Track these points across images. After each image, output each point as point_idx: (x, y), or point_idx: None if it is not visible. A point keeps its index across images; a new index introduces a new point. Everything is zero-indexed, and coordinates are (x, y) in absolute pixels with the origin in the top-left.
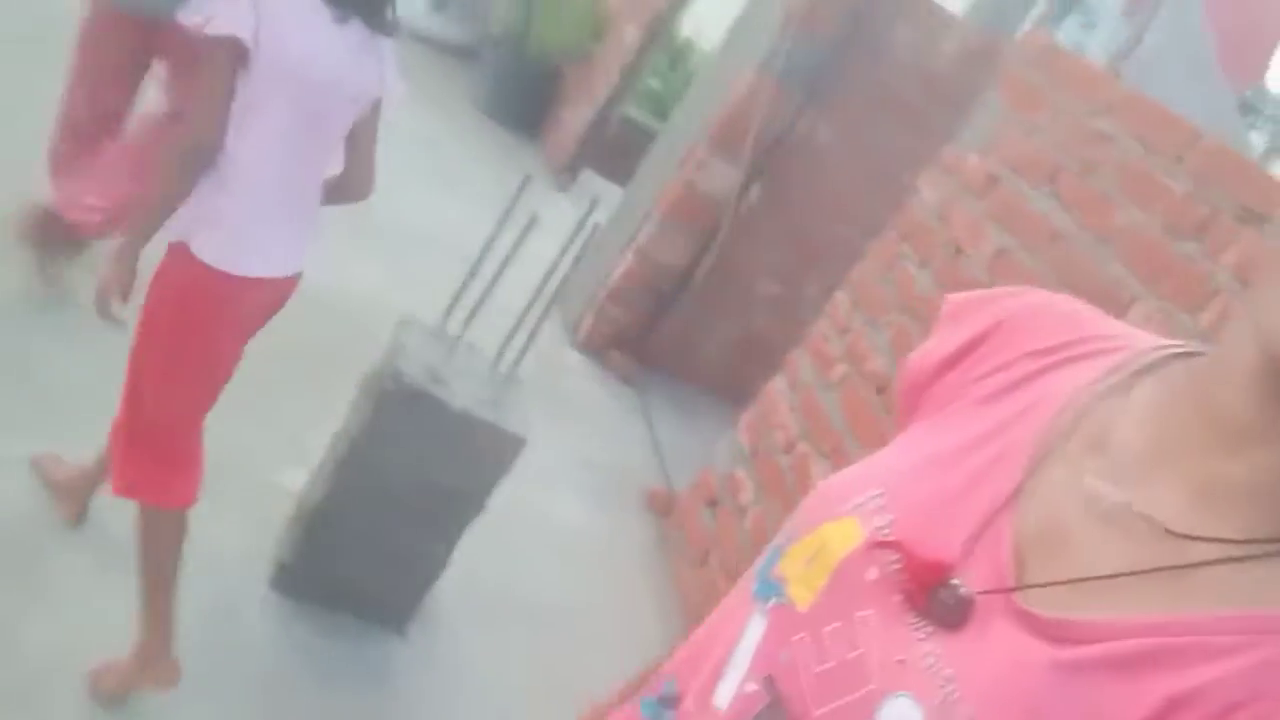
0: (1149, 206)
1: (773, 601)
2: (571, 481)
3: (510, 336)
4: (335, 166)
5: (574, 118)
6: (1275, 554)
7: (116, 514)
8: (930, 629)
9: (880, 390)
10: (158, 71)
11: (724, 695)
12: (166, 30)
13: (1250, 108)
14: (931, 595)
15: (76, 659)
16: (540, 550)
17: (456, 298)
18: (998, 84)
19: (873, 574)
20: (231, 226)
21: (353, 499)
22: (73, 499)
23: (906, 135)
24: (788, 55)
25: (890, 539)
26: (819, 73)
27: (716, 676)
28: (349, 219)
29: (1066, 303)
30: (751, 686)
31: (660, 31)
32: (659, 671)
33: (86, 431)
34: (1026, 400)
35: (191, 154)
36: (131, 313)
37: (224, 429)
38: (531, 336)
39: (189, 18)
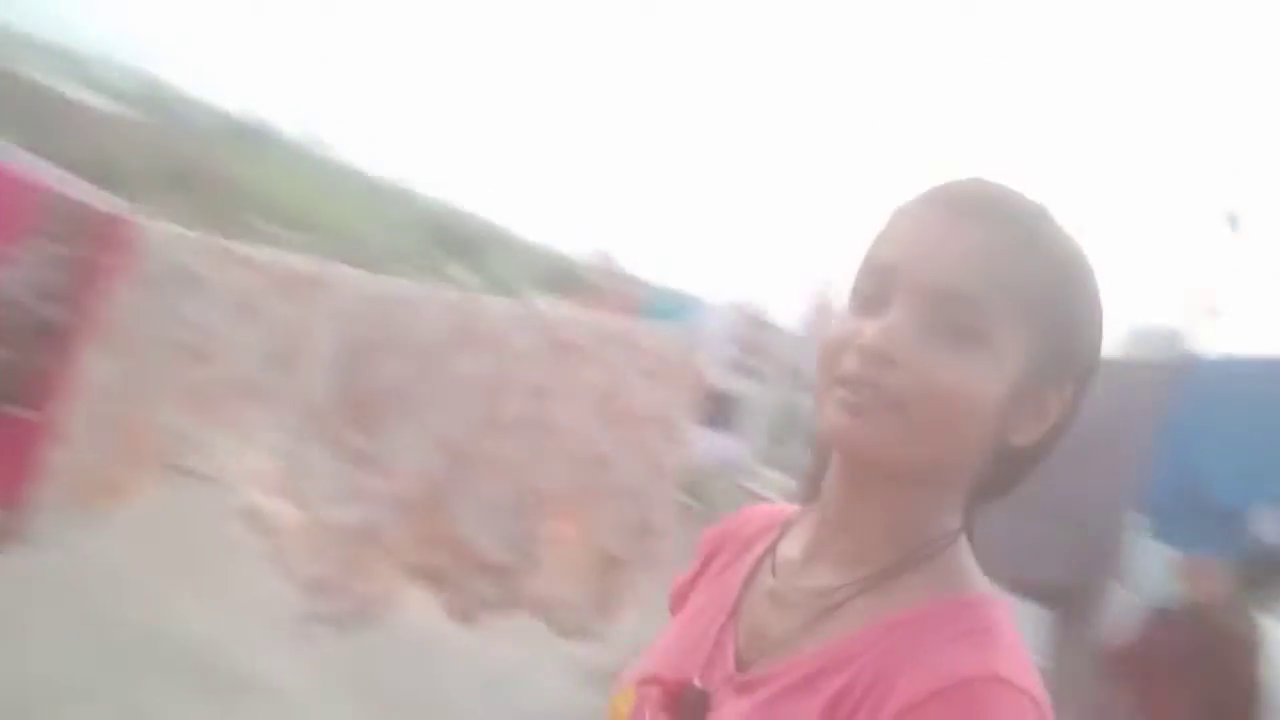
0: None
1: None
2: None
3: None
4: None
5: None
6: (873, 586)
7: None
8: None
9: None
10: None
11: None
12: None
13: None
14: (682, 701)
15: None
16: None
17: None
18: None
19: (646, 714)
20: None
21: None
22: None
23: None
24: None
25: (648, 678)
26: None
27: None
28: None
29: (764, 505)
30: None
31: None
32: None
33: None
34: (738, 564)
35: None
36: None
37: None
38: None
39: None
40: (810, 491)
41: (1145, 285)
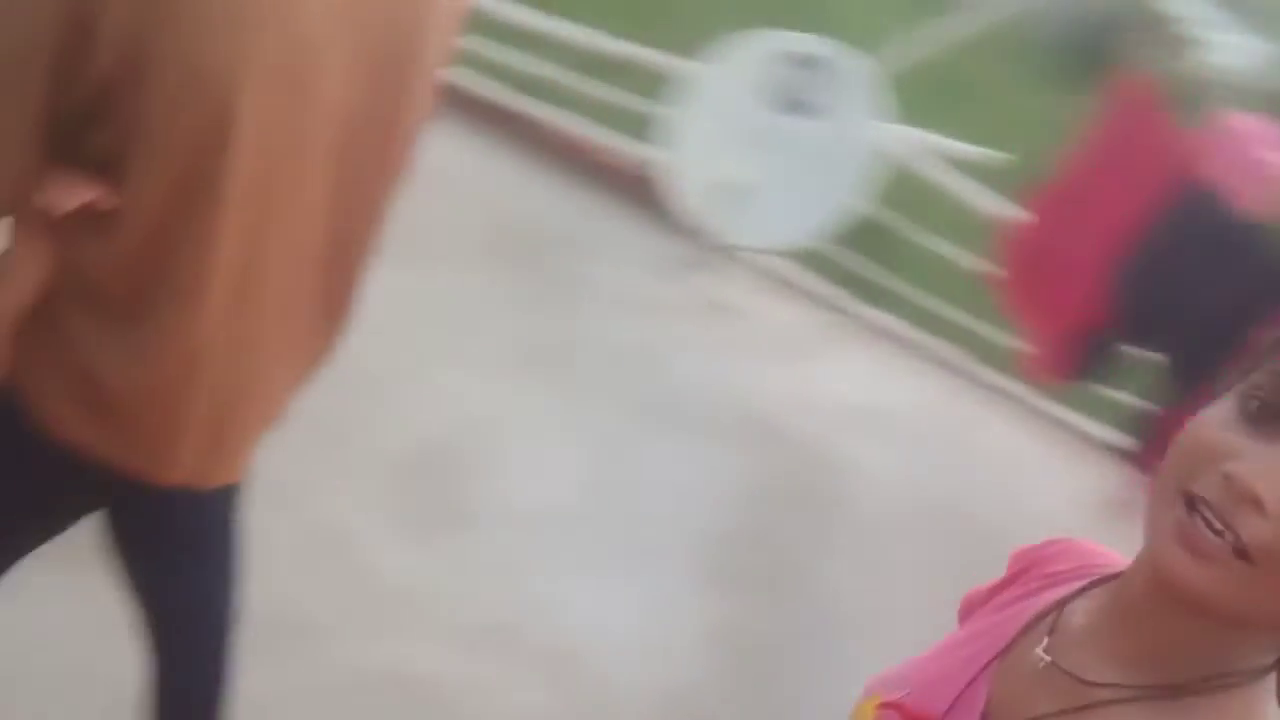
0: None
1: None
2: None
3: None
4: None
5: None
6: (1151, 697)
7: None
8: None
9: None
10: None
11: None
12: None
13: None
14: None
15: None
16: None
17: None
18: None
19: None
20: None
21: None
22: None
23: None
24: None
25: (894, 701)
26: None
27: None
28: None
29: (1086, 543)
30: None
31: None
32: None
33: None
34: (1031, 601)
35: None
36: None
37: None
38: None
39: None
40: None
41: None
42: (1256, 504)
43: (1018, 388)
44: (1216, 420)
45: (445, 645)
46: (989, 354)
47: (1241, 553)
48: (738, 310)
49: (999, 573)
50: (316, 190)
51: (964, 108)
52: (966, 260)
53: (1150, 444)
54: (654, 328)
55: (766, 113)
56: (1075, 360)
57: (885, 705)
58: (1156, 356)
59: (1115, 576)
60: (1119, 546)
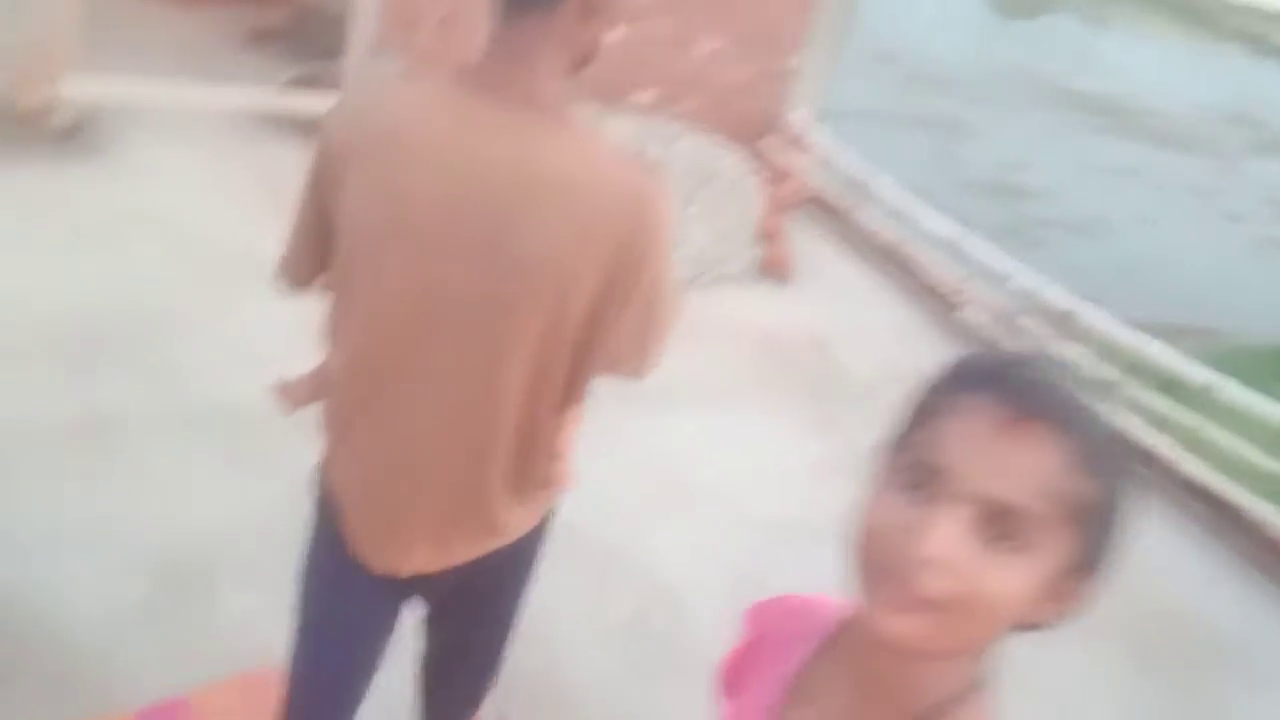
0: None
1: None
2: None
3: None
4: None
5: None
6: None
7: None
8: None
9: None
10: None
11: None
12: None
13: None
14: None
15: None
16: None
17: None
18: None
19: None
20: None
21: None
22: None
23: None
24: None
25: None
26: None
27: None
28: None
29: (808, 597)
30: None
31: None
32: None
33: None
34: (776, 671)
35: None
36: None
37: None
38: None
39: None
40: None
41: None
42: (929, 562)
43: None
44: (885, 501)
45: None
46: None
47: (931, 605)
48: None
49: None
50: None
51: None
52: None
53: None
54: None
55: None
56: None
57: None
58: None
59: (839, 631)
60: None
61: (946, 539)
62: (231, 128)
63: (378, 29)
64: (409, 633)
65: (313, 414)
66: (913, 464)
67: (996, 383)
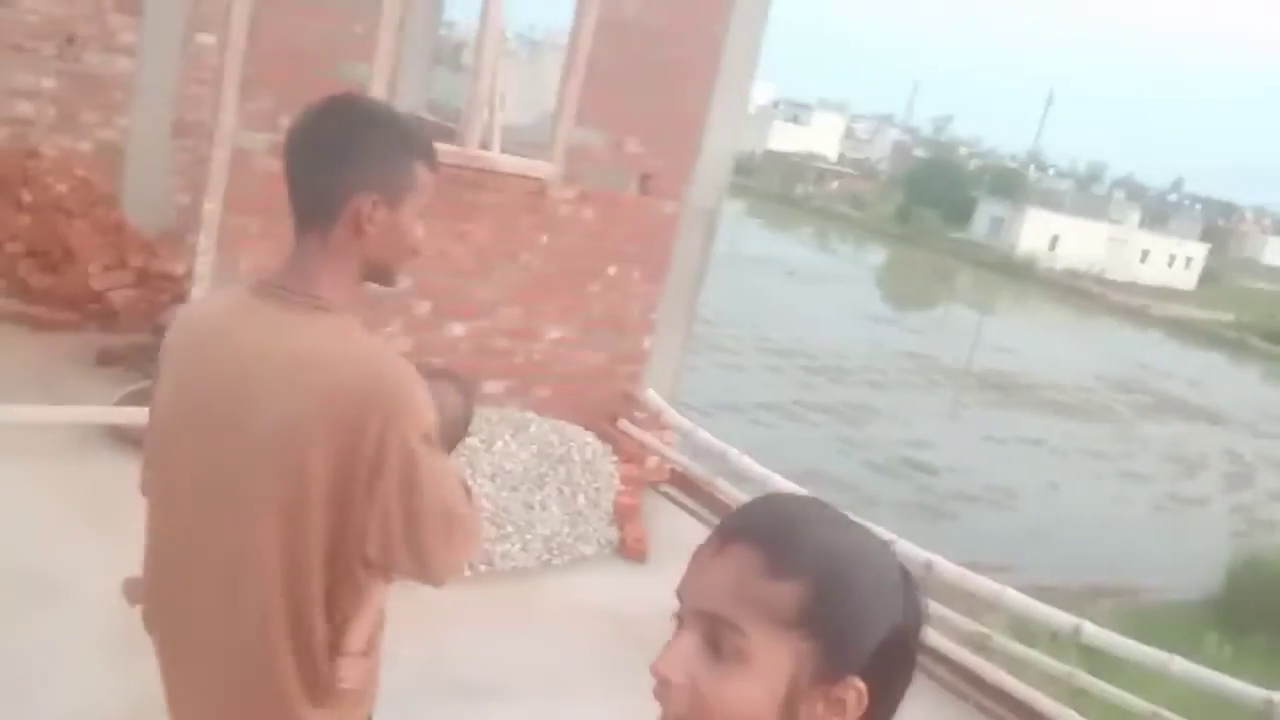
0: None
1: None
2: None
3: None
4: None
5: None
6: None
7: None
8: None
9: None
10: None
11: None
12: None
13: None
14: None
15: None
16: None
17: None
18: None
19: None
20: None
21: None
22: None
23: None
24: None
25: None
26: None
27: None
28: None
29: None
30: None
31: None
32: None
33: None
34: None
35: None
36: None
37: None
38: None
39: None
40: None
41: None
42: (664, 681)
43: None
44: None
45: None
46: None
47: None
48: None
49: None
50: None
51: None
52: None
53: None
54: None
55: None
56: None
57: None
58: None
59: None
60: None
61: (675, 657)
62: (65, 442)
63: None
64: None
65: None
66: (676, 605)
67: (721, 521)
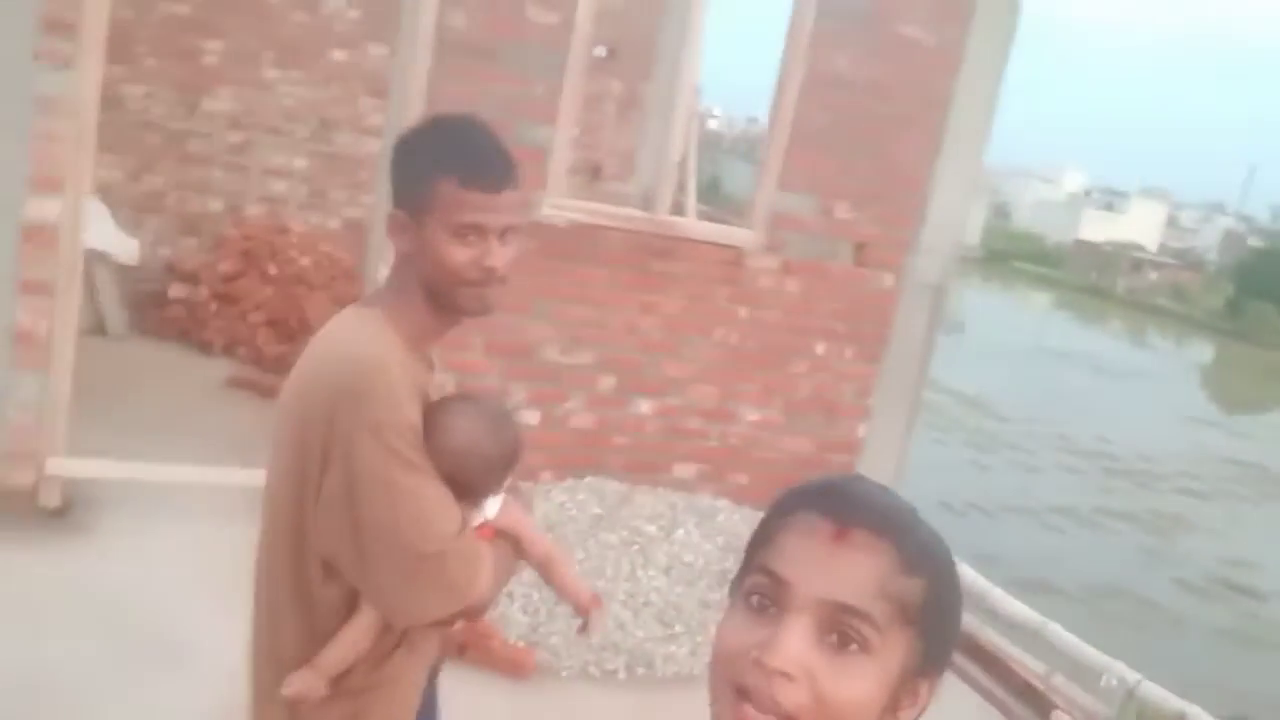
0: None
1: None
2: None
3: None
4: None
5: None
6: None
7: None
8: None
9: None
10: None
11: None
12: None
13: None
14: None
15: None
16: None
17: None
18: None
19: None
20: None
21: None
22: None
23: None
24: None
25: None
26: None
27: None
28: None
29: None
30: None
31: None
32: None
33: None
34: None
35: None
36: None
37: None
38: None
39: None
40: None
41: None
42: (785, 676)
43: None
44: (735, 623)
45: None
46: None
47: (788, 717)
48: None
49: None
50: None
51: None
52: None
53: None
54: None
55: None
56: None
57: None
58: None
59: None
60: None
61: (795, 648)
62: (220, 502)
63: None
64: None
65: None
66: (758, 585)
67: (822, 500)
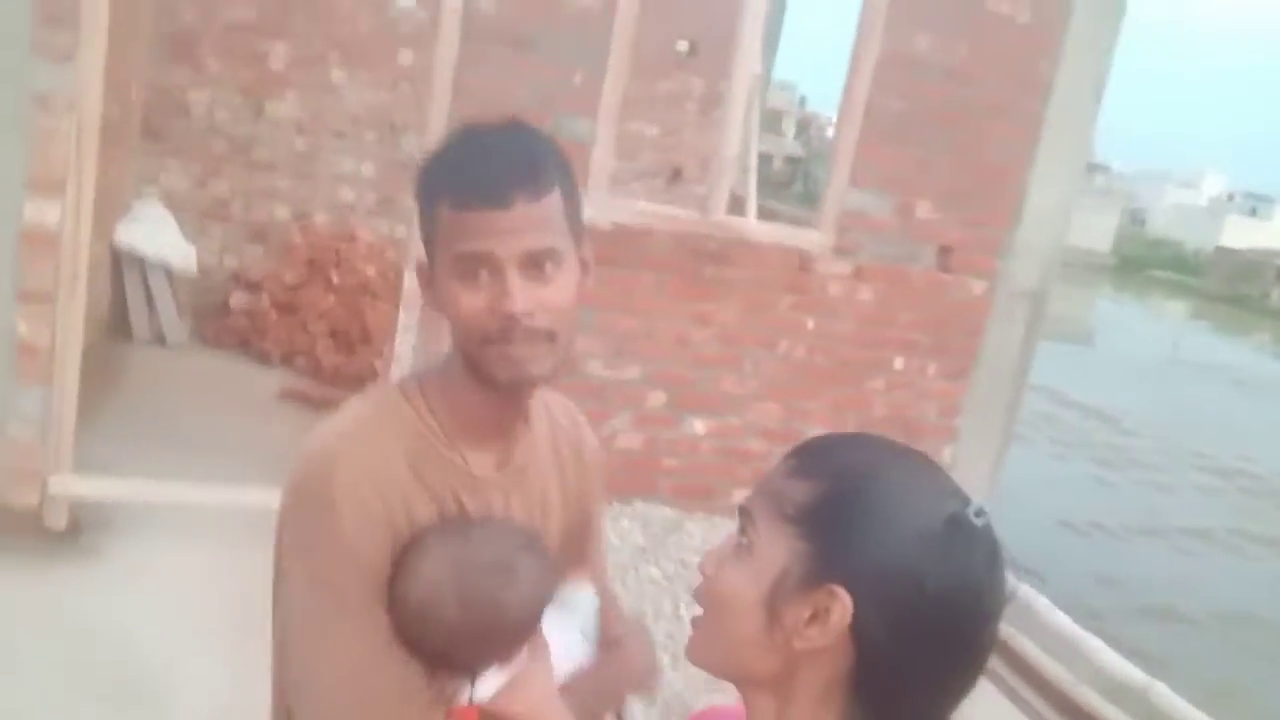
0: None
1: None
2: None
3: None
4: None
5: None
6: None
7: None
8: None
9: None
10: None
11: None
12: None
13: None
14: None
15: None
16: None
17: None
18: None
19: None
20: None
21: None
22: None
23: None
24: None
25: None
26: None
27: None
28: None
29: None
30: None
31: None
32: None
33: None
34: None
35: None
36: None
37: None
38: None
39: None
40: None
41: None
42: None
43: None
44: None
45: None
46: None
47: (696, 619)
48: None
49: None
50: None
51: None
52: None
53: None
54: None
55: None
56: None
57: None
58: None
59: None
60: None
61: (711, 551)
62: (243, 524)
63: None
64: None
65: None
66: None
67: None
